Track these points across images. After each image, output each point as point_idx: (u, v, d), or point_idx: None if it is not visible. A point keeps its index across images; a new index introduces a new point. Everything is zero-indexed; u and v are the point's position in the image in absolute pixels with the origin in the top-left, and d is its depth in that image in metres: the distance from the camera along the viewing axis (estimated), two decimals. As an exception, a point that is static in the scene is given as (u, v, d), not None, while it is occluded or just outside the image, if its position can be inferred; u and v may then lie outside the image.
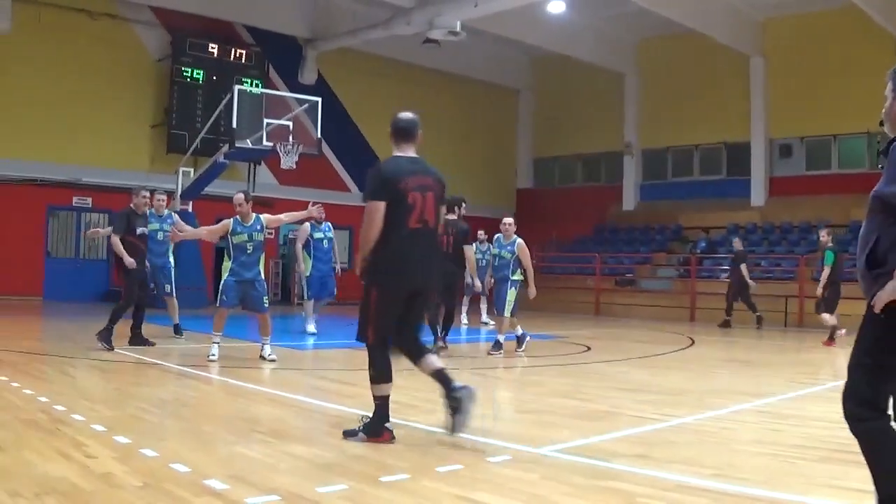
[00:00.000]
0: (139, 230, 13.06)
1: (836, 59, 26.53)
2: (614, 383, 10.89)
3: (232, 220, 11.77)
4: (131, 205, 13.13)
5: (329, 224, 16.56)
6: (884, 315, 3.98)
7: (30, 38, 24.71)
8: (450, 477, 5.48)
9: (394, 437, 6.57)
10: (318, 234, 16.40)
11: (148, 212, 13.67)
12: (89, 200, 26.40)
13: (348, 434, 6.60)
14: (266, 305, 11.83)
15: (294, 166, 21.50)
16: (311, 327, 16.53)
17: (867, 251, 4.09)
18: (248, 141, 21.02)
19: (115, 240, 12.88)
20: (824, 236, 17.34)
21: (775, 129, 29.76)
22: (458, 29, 25.63)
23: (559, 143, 36.40)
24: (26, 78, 24.65)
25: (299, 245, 16.47)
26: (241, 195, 11.93)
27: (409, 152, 7.02)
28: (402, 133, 7.04)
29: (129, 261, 12.65)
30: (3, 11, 24.10)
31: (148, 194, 13.39)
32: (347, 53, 30.60)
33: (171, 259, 15.04)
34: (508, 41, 31.81)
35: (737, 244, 23.47)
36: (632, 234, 32.70)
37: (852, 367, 4.18)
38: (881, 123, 4.37)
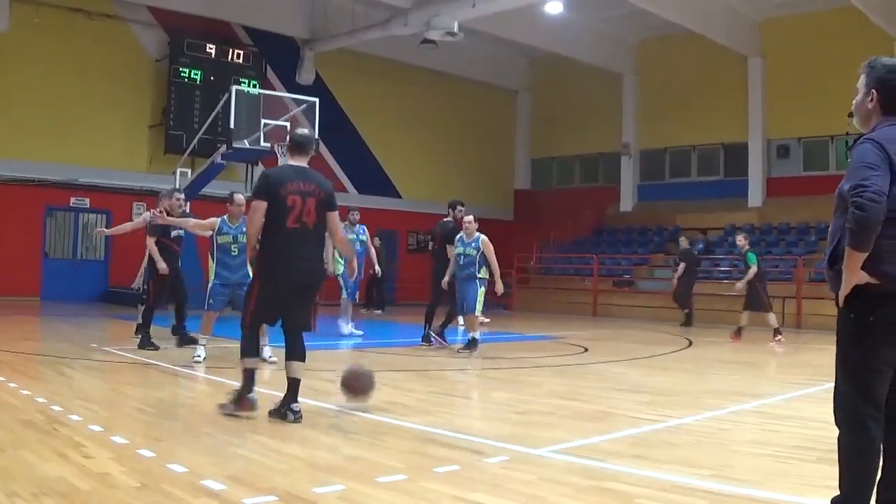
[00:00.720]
0: (174, 232, 13.22)
1: (835, 59, 26.45)
2: (612, 384, 10.90)
3: (220, 219, 11.70)
4: (164, 207, 13.15)
5: (364, 226, 16.65)
6: (853, 315, 4.00)
7: (27, 37, 24.68)
8: (447, 477, 5.48)
9: (254, 407, 7.45)
10: (350, 237, 16.15)
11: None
12: (87, 201, 26.40)
13: (222, 406, 7.55)
14: None
15: (292, 167, 21.43)
16: (350, 328, 16.61)
17: (830, 249, 4.13)
18: (245, 141, 20.98)
19: (151, 243, 13.03)
20: (741, 240, 18.07)
21: (773, 130, 29.76)
22: (455, 29, 25.62)
23: (557, 144, 36.42)
24: (23, 77, 24.64)
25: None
26: (242, 196, 11.79)
27: (300, 163, 7.76)
28: (295, 146, 7.86)
29: (163, 266, 12.88)
30: (1, 10, 24.08)
31: (182, 196, 13.53)
32: (345, 54, 30.59)
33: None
34: (506, 42, 31.84)
35: (683, 243, 23.69)
36: (630, 234, 32.69)
37: (836, 370, 4.20)
38: (850, 115, 4.40)
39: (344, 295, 16.55)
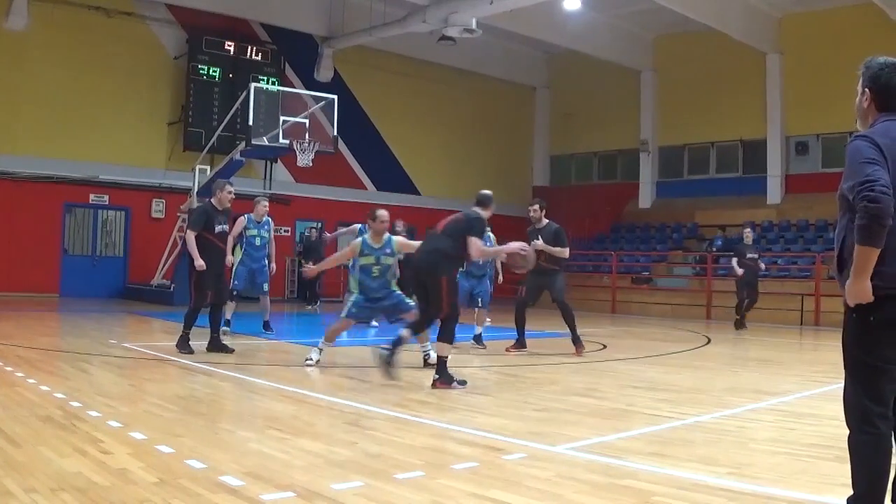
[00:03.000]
0: (218, 228, 12.19)
1: (853, 55, 25.83)
2: (630, 381, 10.86)
3: (361, 240, 11.20)
4: (213, 200, 12.33)
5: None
6: (855, 315, 3.99)
7: (46, 35, 24.80)
8: (465, 474, 5.48)
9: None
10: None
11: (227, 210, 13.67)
12: (106, 198, 26.49)
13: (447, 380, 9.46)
14: (412, 305, 11.04)
15: (310, 164, 21.52)
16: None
17: (837, 252, 4.11)
18: (264, 138, 21.06)
19: (190, 237, 11.96)
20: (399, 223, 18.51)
21: (791, 127, 29.64)
22: (473, 26, 25.62)
23: (575, 141, 36.37)
24: (42, 75, 24.75)
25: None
26: (387, 212, 11.31)
27: (476, 209, 10.12)
28: (477, 201, 10.27)
29: (200, 263, 11.79)
30: (19, 9, 24.19)
31: (232, 188, 12.63)
32: (364, 51, 30.64)
33: (266, 261, 15.41)
34: (524, 38, 31.83)
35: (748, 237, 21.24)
36: (648, 231, 32.62)
37: (844, 371, 4.20)
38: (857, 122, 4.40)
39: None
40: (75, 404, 7.47)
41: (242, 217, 15.25)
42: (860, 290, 3.92)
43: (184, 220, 13.04)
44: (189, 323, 12.02)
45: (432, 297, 9.50)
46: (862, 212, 3.78)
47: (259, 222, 15.28)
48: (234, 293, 15.16)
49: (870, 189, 3.76)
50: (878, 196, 3.74)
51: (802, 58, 28.54)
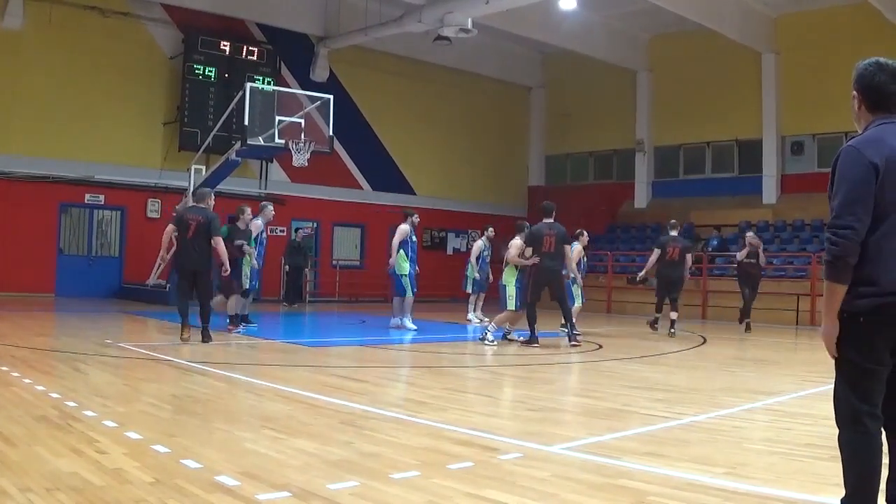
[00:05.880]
0: None
1: (848, 55, 25.97)
2: (626, 381, 10.87)
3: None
4: (203, 206, 13.82)
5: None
6: (845, 315, 4.00)
7: (41, 35, 24.76)
8: (460, 474, 5.48)
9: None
10: (415, 237, 17.49)
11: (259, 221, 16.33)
12: (102, 198, 26.45)
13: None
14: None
15: (306, 164, 21.49)
16: (410, 323, 17.32)
17: None
18: (260, 138, 21.03)
19: (224, 247, 13.52)
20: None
21: (787, 127, 29.60)
22: (469, 26, 25.62)
23: (571, 141, 36.32)
24: (38, 75, 24.71)
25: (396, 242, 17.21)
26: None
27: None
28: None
29: (227, 269, 13.66)
30: (15, 8, 24.16)
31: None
32: (359, 51, 30.61)
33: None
34: (520, 38, 31.79)
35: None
36: (644, 231, 32.53)
37: (835, 371, 4.22)
38: None
39: (409, 294, 17.32)
40: (71, 404, 7.46)
41: (258, 221, 16.41)
42: (831, 332, 4.07)
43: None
44: (210, 317, 13.43)
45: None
46: (827, 249, 3.93)
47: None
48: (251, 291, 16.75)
49: (834, 232, 3.96)
50: (839, 241, 3.92)
51: (798, 58, 28.53)
